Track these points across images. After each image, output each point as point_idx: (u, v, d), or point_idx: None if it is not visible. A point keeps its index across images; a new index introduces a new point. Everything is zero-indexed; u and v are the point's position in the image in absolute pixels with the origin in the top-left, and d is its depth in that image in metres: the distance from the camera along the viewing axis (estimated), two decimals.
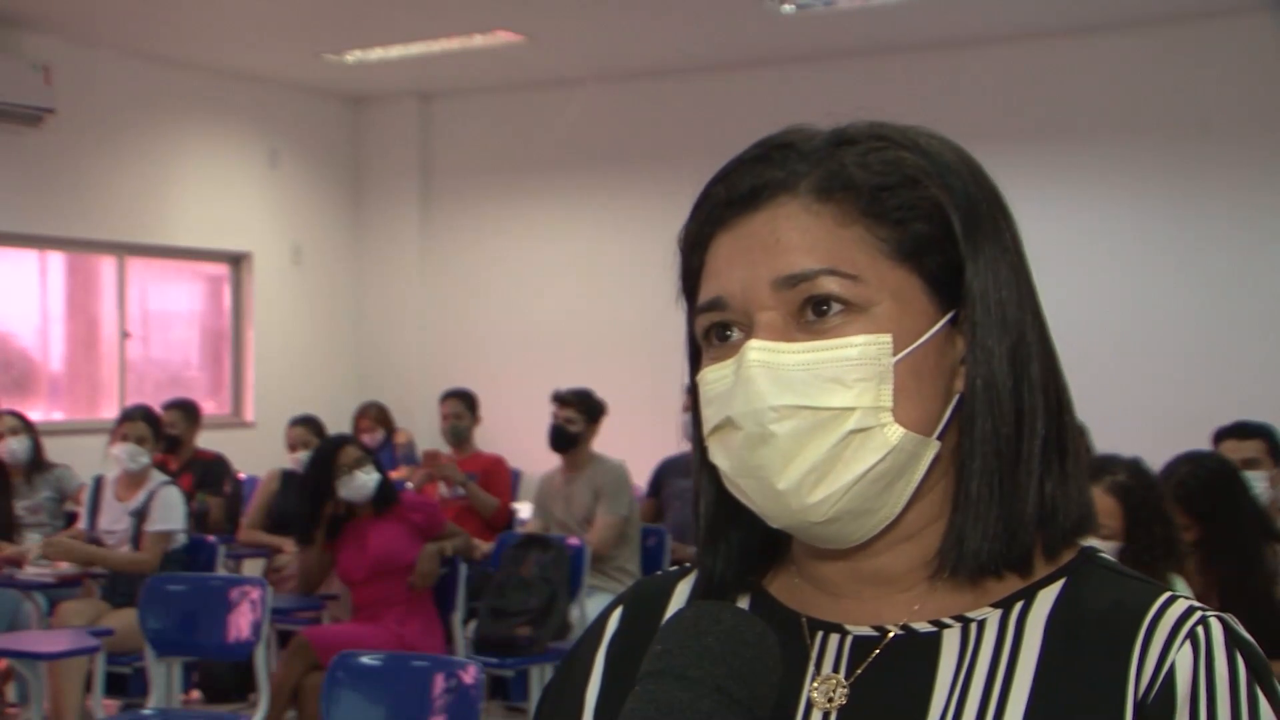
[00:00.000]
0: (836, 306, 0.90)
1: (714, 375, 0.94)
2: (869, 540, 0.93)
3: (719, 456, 0.94)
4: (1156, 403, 7.18)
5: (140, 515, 5.89)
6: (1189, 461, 3.84)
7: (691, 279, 0.98)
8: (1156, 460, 3.67)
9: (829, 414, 0.89)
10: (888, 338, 0.90)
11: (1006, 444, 0.92)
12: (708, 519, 1.01)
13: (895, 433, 0.89)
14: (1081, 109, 7.79)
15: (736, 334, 0.93)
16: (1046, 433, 0.94)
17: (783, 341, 0.90)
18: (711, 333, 0.95)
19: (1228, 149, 7.40)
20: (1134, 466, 3.33)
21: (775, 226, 0.92)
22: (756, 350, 0.90)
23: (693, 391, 0.98)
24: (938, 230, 0.93)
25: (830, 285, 0.90)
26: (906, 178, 0.93)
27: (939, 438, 0.92)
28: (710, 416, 0.94)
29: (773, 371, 0.89)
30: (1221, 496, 3.73)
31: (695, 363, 0.98)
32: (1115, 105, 7.71)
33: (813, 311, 0.91)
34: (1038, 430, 0.93)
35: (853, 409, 0.89)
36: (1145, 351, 7.41)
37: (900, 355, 0.90)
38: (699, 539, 1.02)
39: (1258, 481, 4.47)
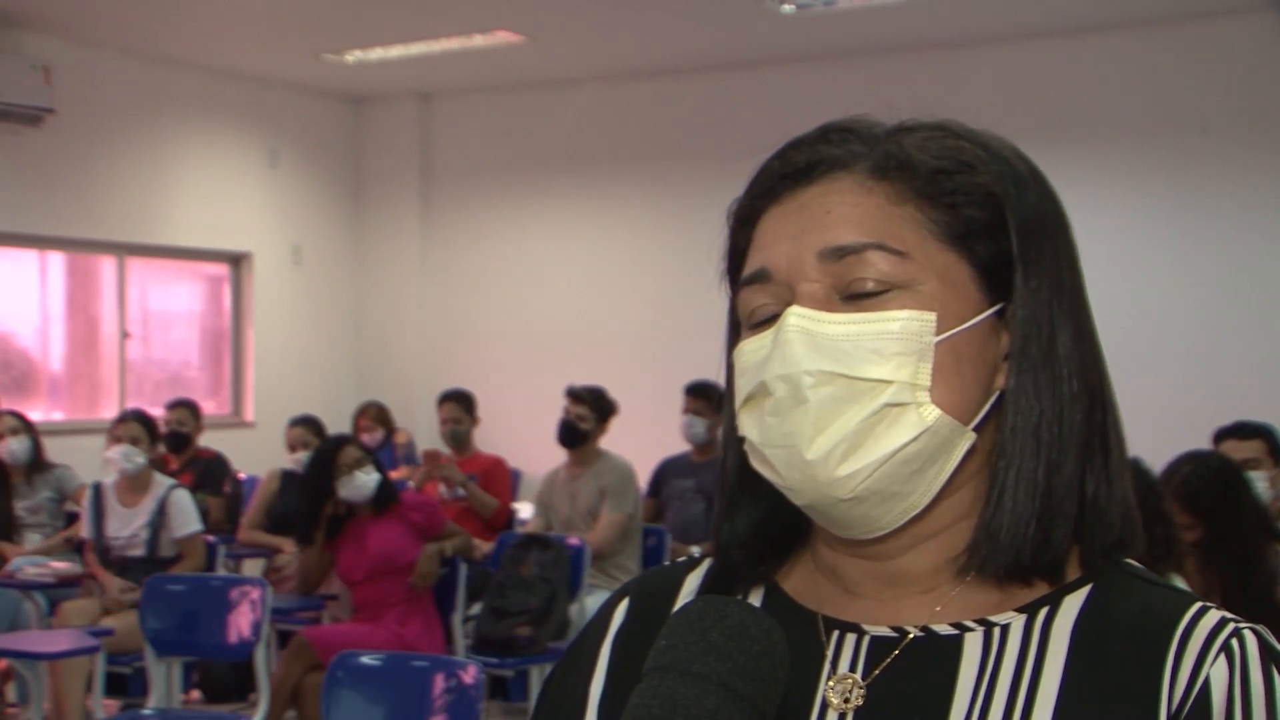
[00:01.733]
0: (881, 282, 0.89)
1: (751, 346, 0.92)
2: (892, 534, 0.91)
3: (749, 428, 0.92)
4: (1156, 403, 7.17)
5: (157, 524, 5.91)
6: (1191, 461, 3.83)
7: (736, 258, 0.97)
8: (1156, 460, 3.66)
9: (865, 385, 0.87)
10: (932, 315, 0.88)
11: (1046, 443, 0.90)
12: (729, 497, 0.99)
13: (931, 413, 0.87)
14: (1081, 109, 7.78)
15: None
16: (1088, 433, 0.92)
17: (824, 311, 0.89)
18: (753, 316, 0.93)
19: (1228, 149, 7.40)
20: (1133, 466, 3.32)
21: (826, 200, 0.92)
22: (796, 316, 0.89)
23: (728, 368, 0.96)
24: (991, 219, 0.91)
25: (876, 260, 0.89)
26: (963, 164, 0.92)
27: (975, 430, 0.90)
28: (743, 386, 0.92)
29: (811, 338, 0.88)
30: (1224, 496, 3.72)
31: (734, 343, 0.96)
32: (1115, 105, 7.71)
33: (857, 286, 0.89)
34: (1079, 430, 0.91)
35: (889, 382, 0.87)
36: (1145, 351, 7.39)
37: (943, 336, 0.88)
38: (717, 517, 1.00)
39: (1258, 481, 4.47)
